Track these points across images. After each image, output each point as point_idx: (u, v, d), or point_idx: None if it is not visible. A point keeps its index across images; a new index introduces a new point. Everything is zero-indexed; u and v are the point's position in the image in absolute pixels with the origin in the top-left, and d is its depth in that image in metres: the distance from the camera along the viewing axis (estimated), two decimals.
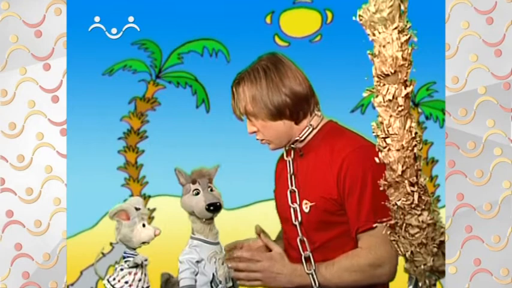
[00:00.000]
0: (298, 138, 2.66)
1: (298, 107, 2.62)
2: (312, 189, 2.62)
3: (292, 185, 2.66)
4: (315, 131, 2.66)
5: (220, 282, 2.72)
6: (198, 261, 2.70)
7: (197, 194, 2.71)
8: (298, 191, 2.65)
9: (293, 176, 2.67)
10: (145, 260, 2.69)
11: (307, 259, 2.61)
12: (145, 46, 3.69)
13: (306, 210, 2.63)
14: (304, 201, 2.63)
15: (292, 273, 2.61)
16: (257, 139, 2.68)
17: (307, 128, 2.65)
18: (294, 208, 2.64)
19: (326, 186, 2.60)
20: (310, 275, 2.59)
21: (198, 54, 3.72)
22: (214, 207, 2.69)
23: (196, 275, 2.71)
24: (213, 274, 2.71)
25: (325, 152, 2.62)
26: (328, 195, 2.59)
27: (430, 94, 3.71)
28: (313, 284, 2.60)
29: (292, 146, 2.68)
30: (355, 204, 2.56)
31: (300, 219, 2.63)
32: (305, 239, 2.61)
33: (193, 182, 2.72)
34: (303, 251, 2.61)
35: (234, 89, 2.65)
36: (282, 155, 2.78)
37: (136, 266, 2.67)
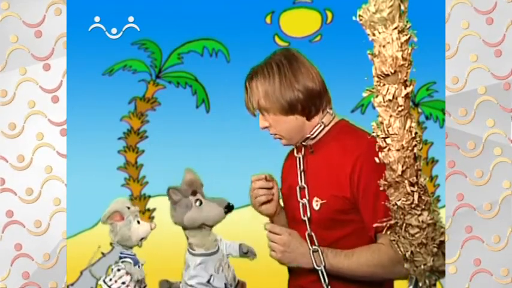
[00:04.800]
0: (309, 135, 2.66)
1: (311, 102, 2.61)
2: (322, 187, 2.62)
3: (302, 181, 2.66)
4: (326, 129, 2.66)
5: (231, 285, 2.69)
6: (208, 281, 2.65)
7: (201, 203, 2.67)
8: (308, 187, 2.64)
9: (303, 173, 2.66)
10: (139, 266, 2.69)
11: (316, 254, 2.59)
12: (145, 46, 3.69)
13: (317, 208, 2.62)
14: (315, 199, 2.62)
15: (307, 254, 2.59)
16: (270, 134, 2.68)
17: (318, 125, 2.65)
18: (303, 203, 2.64)
19: (338, 184, 2.59)
20: (320, 271, 2.59)
21: (198, 54, 3.72)
22: (230, 207, 2.67)
23: None
24: (225, 284, 2.68)
25: (337, 150, 2.62)
26: (340, 193, 2.58)
27: (430, 94, 3.71)
28: (323, 280, 2.59)
29: (303, 143, 2.68)
30: (371, 203, 2.55)
31: (309, 214, 2.63)
32: (313, 234, 2.60)
33: (194, 193, 2.67)
34: (311, 246, 2.59)
35: (247, 84, 2.64)
36: (289, 154, 2.78)
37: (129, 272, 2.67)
